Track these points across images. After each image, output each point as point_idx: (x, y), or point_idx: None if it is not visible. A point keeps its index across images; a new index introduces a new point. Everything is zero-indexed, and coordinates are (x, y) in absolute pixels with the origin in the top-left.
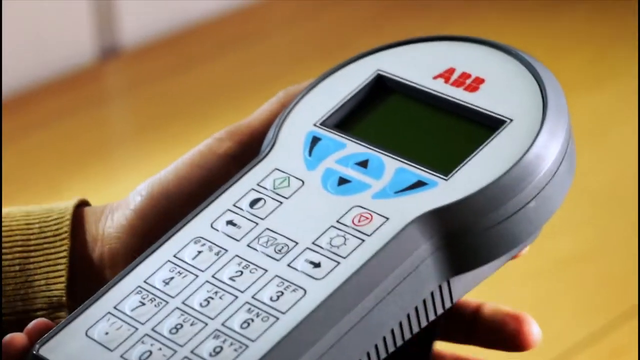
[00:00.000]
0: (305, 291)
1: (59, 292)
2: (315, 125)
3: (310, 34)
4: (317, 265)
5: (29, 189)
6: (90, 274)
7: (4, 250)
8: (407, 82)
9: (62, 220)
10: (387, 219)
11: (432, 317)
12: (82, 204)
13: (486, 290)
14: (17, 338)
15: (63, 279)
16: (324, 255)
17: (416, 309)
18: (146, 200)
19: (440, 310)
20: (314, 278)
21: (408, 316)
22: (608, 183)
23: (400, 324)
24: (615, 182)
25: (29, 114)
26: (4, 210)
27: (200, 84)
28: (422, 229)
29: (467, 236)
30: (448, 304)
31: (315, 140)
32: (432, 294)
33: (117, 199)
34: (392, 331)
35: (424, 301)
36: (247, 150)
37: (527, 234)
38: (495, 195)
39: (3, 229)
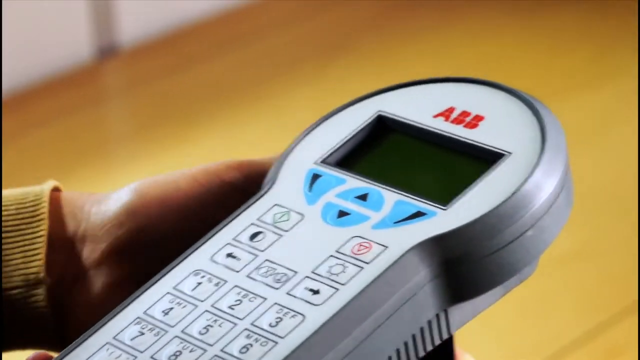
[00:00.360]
0: (304, 317)
1: (36, 268)
2: (315, 163)
3: (310, 34)
4: (316, 292)
5: None
6: (70, 253)
7: None
8: (407, 121)
9: (39, 202)
10: (386, 247)
11: (429, 347)
12: (56, 189)
13: None
14: None
15: (41, 255)
16: (323, 283)
17: (413, 338)
18: (138, 199)
19: (437, 341)
20: (312, 304)
21: (405, 345)
22: (608, 183)
23: (398, 352)
24: (615, 182)
25: (28, 113)
26: None
27: (198, 84)
28: (421, 256)
29: (465, 263)
30: (445, 335)
31: (315, 177)
32: (429, 322)
33: None
34: (390, 359)
35: (422, 330)
36: (252, 185)
37: (524, 263)
38: (493, 223)
39: None
